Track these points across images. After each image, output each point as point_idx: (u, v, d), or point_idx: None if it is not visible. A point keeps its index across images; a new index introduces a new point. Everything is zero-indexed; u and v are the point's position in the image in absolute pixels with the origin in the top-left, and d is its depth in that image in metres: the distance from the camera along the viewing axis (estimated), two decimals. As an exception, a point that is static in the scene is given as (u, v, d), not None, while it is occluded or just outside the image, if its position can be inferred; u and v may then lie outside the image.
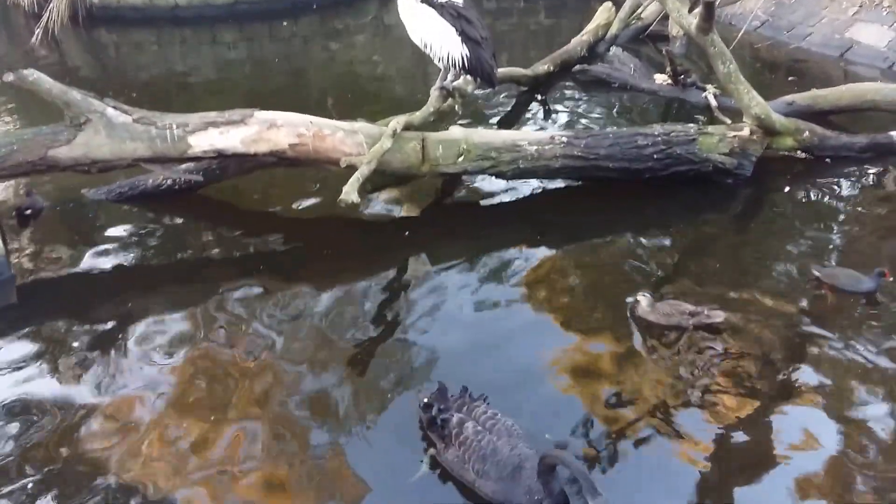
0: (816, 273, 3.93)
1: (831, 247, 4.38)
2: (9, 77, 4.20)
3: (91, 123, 4.28)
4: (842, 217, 4.73)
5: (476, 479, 2.65)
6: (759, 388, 3.21)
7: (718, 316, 3.60)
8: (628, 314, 3.74)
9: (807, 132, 5.34)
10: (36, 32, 8.44)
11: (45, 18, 8.59)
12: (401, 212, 4.96)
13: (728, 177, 5.05)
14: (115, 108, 4.34)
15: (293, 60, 8.65)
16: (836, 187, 5.12)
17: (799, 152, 5.38)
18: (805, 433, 2.97)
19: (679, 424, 3.01)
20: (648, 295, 3.69)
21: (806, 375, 3.29)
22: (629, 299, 3.79)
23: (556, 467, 2.46)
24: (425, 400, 2.92)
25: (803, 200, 5.01)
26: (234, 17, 9.65)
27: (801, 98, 6.00)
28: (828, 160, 5.39)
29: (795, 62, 7.76)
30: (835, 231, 4.57)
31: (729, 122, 5.47)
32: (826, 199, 4.98)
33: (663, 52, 6.80)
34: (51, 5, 8.72)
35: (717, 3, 4.90)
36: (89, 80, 8.00)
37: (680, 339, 3.56)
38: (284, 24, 9.64)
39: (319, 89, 7.67)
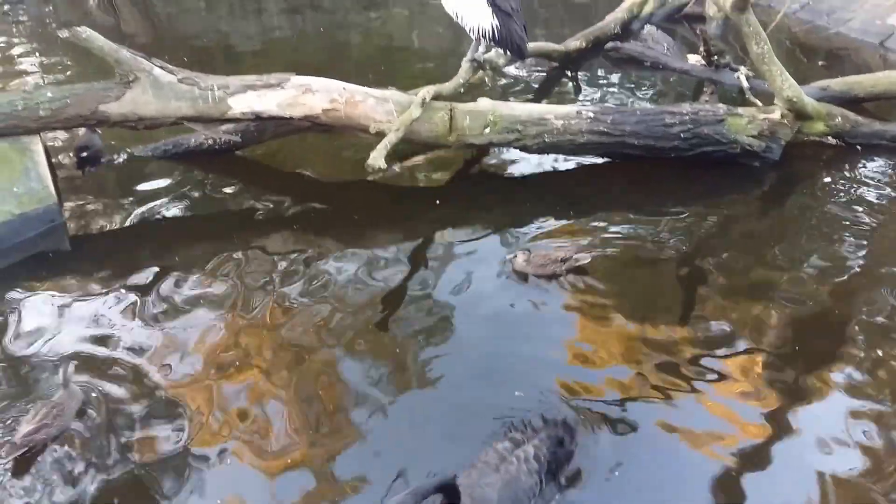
0: None
1: (858, 238, 4.35)
2: (64, 34, 4.45)
3: (139, 82, 4.52)
4: (870, 207, 4.67)
5: None
6: (769, 382, 3.22)
7: (585, 258, 3.90)
8: (508, 271, 3.94)
9: (839, 117, 5.30)
10: (92, -5, 8.79)
11: (101, -17, 8.93)
12: (431, 180, 5.12)
13: (755, 160, 5.07)
14: (161, 67, 4.58)
15: (334, 31, 8.83)
16: (866, 176, 5.08)
17: (830, 138, 5.34)
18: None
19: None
20: (525, 250, 3.96)
21: (823, 371, 3.27)
22: (507, 257, 4.02)
23: None
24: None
25: (832, 188, 4.99)
26: (281, -13, 9.88)
27: (835, 83, 5.93)
28: (859, 148, 5.34)
29: (833, 48, 7.68)
30: (863, 222, 4.51)
31: (760, 104, 5.46)
32: (855, 187, 4.94)
33: (698, 32, 6.81)
34: (107, -30, 9.05)
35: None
36: (143, 43, 8.29)
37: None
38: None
39: (358, 59, 7.85)
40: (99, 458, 2.86)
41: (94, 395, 3.17)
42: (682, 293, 3.85)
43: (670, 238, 4.36)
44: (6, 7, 9.03)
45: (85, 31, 4.42)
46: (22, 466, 2.83)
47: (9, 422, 3.02)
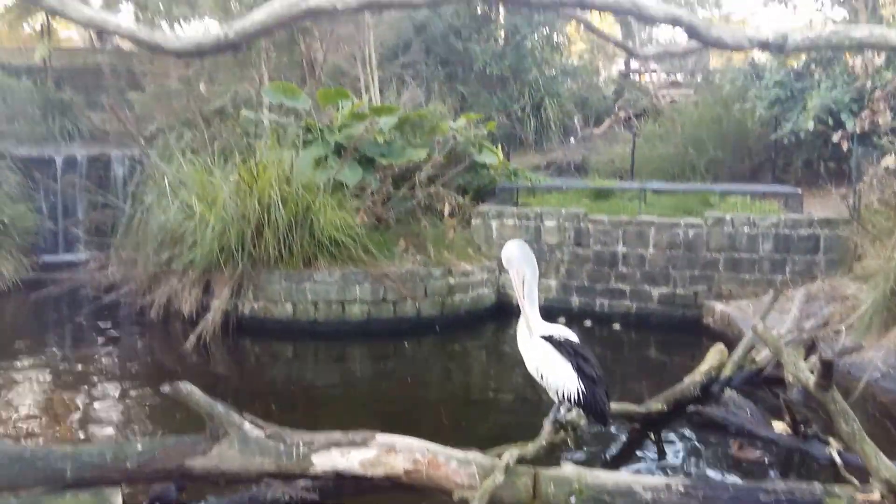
0: None
1: None
2: (166, 388, 4.71)
3: (228, 437, 4.63)
4: None
5: None
6: None
7: None
8: None
9: (941, 497, 4.98)
10: (190, 338, 9.46)
11: (200, 327, 9.68)
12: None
13: (861, 544, 4.71)
14: (251, 422, 4.72)
15: (413, 379, 9.15)
16: None
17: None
18: None
19: None
20: None
21: None
22: None
23: None
24: None
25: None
26: (365, 334, 10.49)
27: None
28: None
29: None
30: None
31: (856, 481, 5.20)
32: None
33: (781, 399, 6.76)
34: (208, 315, 9.85)
35: (835, 361, 4.97)
36: (231, 385, 8.74)
37: None
38: (407, 344, 10.36)
39: (435, 409, 7.98)
40: None
41: None
42: None
43: None
44: (99, 354, 9.73)
45: (186, 387, 4.67)
46: None
47: None
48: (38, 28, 19.38)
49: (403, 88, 15.82)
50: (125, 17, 16.17)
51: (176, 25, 15.95)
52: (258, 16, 3.40)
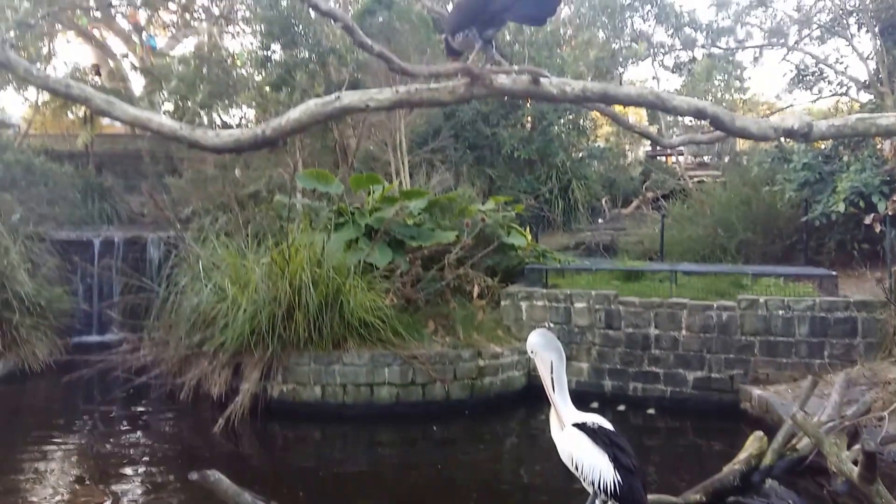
0: None
1: None
2: (193, 476, 4.69)
3: (255, 527, 4.57)
4: None
5: None
6: None
7: None
8: None
9: None
10: (219, 422, 9.42)
11: (229, 410, 9.64)
12: None
13: None
14: (278, 515, 4.66)
15: (443, 465, 8.98)
16: None
17: None
18: None
19: None
20: None
21: None
22: None
23: None
24: None
25: None
26: (393, 417, 10.37)
27: None
28: None
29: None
30: None
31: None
32: None
33: (825, 489, 6.50)
34: (237, 399, 9.83)
35: (878, 452, 4.83)
36: (258, 470, 8.68)
37: None
38: (435, 428, 10.21)
39: (465, 497, 7.81)
40: None
41: None
42: None
43: None
44: (128, 438, 9.70)
45: (213, 475, 4.65)
46: None
47: None
48: (81, 115, 20.23)
49: (433, 172, 16.13)
50: (166, 114, 16.80)
51: (215, 115, 16.54)
52: (294, 114, 3.54)
